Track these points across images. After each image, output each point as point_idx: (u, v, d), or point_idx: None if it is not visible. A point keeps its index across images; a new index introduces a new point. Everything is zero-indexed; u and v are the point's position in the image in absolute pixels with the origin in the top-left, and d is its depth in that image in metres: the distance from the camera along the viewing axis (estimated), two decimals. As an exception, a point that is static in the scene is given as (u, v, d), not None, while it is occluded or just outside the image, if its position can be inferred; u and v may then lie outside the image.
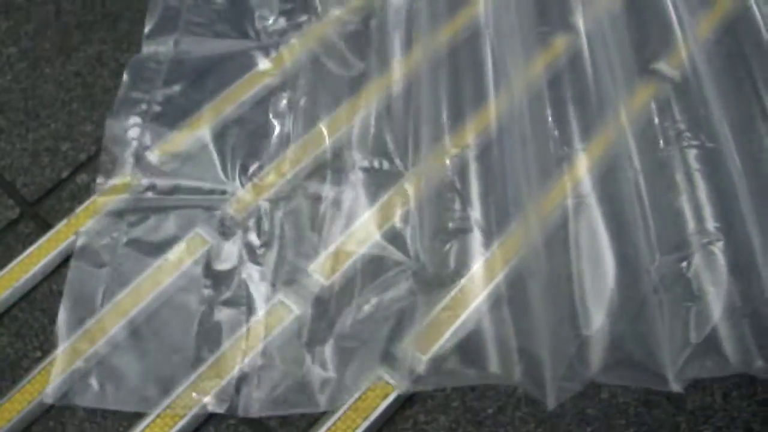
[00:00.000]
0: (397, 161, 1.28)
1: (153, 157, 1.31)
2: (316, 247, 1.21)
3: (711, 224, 1.16)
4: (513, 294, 1.14)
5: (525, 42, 1.37)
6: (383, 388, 1.09)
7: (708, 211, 1.18)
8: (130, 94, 1.38)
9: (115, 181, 1.29)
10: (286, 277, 1.19)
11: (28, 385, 1.13)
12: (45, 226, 1.28)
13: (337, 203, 1.24)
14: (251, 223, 1.24)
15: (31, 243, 1.26)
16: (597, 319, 1.10)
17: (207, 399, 1.10)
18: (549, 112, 1.30)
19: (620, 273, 1.13)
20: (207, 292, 1.18)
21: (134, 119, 1.35)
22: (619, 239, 1.16)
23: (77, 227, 1.27)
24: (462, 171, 1.26)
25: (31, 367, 1.15)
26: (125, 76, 1.40)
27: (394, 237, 1.21)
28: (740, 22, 1.38)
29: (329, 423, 1.07)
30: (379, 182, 1.26)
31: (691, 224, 1.17)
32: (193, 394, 1.10)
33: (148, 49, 1.44)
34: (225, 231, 1.23)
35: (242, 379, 1.11)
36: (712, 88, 1.28)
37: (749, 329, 1.08)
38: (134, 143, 1.32)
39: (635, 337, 1.08)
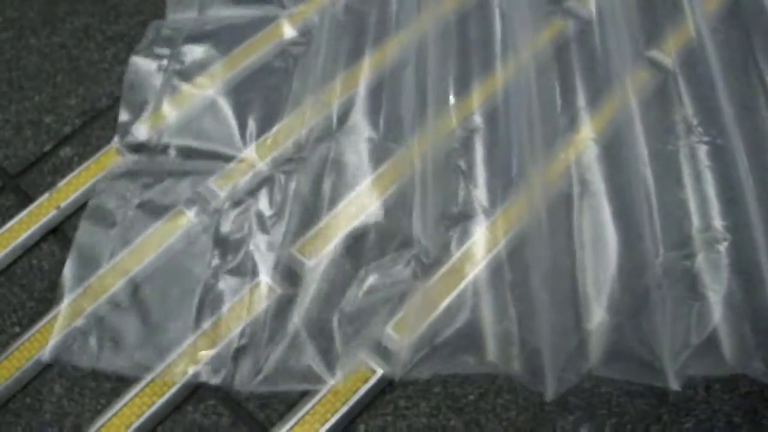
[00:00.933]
0: (403, 132, 1.26)
1: (170, 116, 1.31)
2: (317, 220, 1.20)
3: (718, 222, 1.14)
4: (515, 276, 1.13)
5: (534, 14, 1.35)
6: (363, 372, 1.08)
7: (715, 209, 1.15)
8: (152, 49, 1.38)
9: (130, 138, 1.30)
10: (291, 251, 1.18)
11: (5, 361, 1.12)
12: (26, 199, 1.27)
13: (340, 172, 1.23)
14: (263, 192, 1.23)
15: (11, 217, 1.24)
16: (598, 312, 1.08)
17: (200, 368, 1.09)
18: (556, 84, 1.29)
19: (624, 264, 1.12)
20: (214, 260, 1.17)
21: (154, 73, 1.36)
22: (623, 229, 1.14)
23: (59, 201, 1.25)
24: (467, 144, 1.25)
25: (9, 343, 1.14)
26: (146, 36, 1.41)
27: (395, 214, 1.20)
28: (746, 2, 1.36)
29: (308, 407, 1.06)
30: (382, 154, 1.25)
31: (696, 221, 1.15)
32: (187, 364, 1.09)
33: (173, 16, 1.44)
34: (235, 200, 1.22)
35: (240, 351, 1.10)
36: (718, 70, 1.27)
37: (749, 330, 1.06)
38: (151, 100, 1.33)
39: (636, 331, 1.07)
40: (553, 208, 1.17)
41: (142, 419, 1.07)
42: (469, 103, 1.29)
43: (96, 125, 1.34)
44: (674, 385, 1.03)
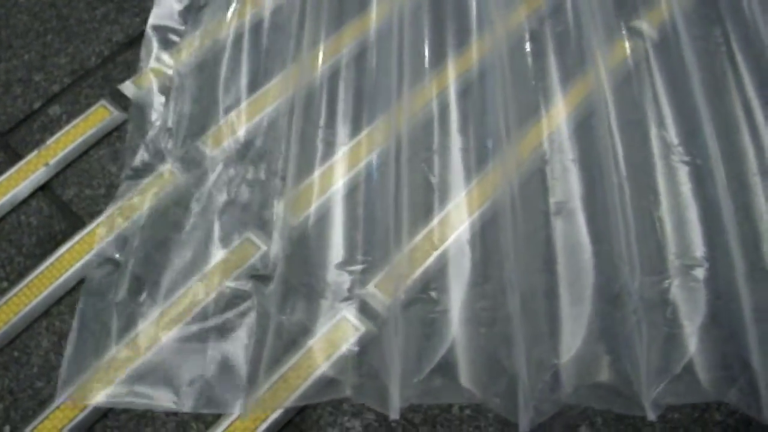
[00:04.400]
0: (381, 98, 1.26)
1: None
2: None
3: (695, 248, 1.11)
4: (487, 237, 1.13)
5: None
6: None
7: (694, 233, 1.13)
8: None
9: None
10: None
11: (-7, 315, 1.13)
12: (15, 156, 1.27)
13: (328, 140, 1.24)
14: None
15: (0, 173, 1.25)
16: (575, 340, 1.06)
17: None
18: (529, 60, 1.28)
19: (600, 289, 1.09)
20: None
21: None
22: (600, 252, 1.12)
23: (48, 158, 1.25)
24: (442, 117, 1.25)
25: (-3, 298, 1.15)
26: None
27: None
28: None
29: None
30: (360, 122, 1.25)
31: (674, 246, 1.12)
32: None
33: None
34: None
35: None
36: (690, 54, 1.25)
37: (725, 357, 1.04)
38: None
39: (612, 359, 1.04)
40: (526, 182, 1.17)
41: (127, 372, 1.08)
42: (444, 78, 1.28)
43: (85, 84, 1.34)
44: (651, 415, 1.00)
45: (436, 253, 1.13)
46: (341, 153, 1.22)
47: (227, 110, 1.27)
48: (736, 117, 1.22)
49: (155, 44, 1.35)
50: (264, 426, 1.04)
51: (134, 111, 1.29)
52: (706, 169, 1.15)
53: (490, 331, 1.06)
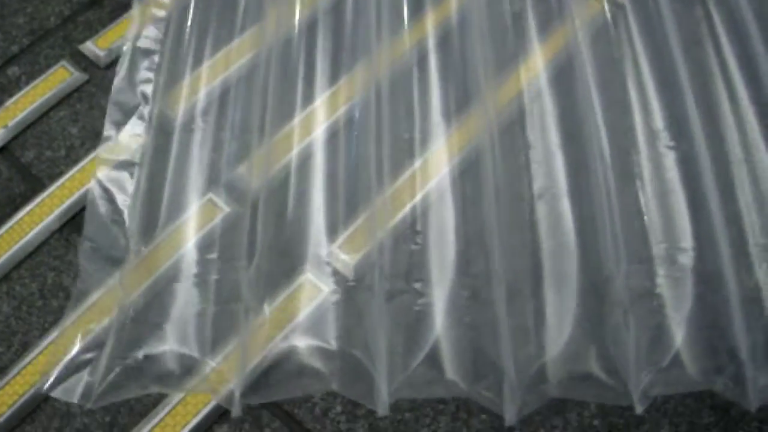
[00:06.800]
0: (357, 48, 1.24)
1: None
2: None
3: (682, 235, 1.09)
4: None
5: None
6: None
7: (679, 219, 1.10)
8: None
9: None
10: None
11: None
12: (-28, 119, 1.24)
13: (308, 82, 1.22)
14: None
15: (-43, 136, 1.22)
16: (562, 332, 1.03)
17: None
18: (507, 8, 1.27)
19: (585, 277, 1.06)
20: None
21: None
22: (584, 240, 1.09)
23: (6, 120, 1.22)
24: (421, 66, 1.23)
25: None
26: None
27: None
28: None
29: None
30: (338, 71, 1.23)
31: (659, 234, 1.09)
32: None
33: None
34: None
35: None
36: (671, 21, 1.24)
37: (712, 345, 1.02)
38: None
39: (600, 351, 1.02)
40: (505, 131, 1.15)
41: (92, 335, 1.06)
42: (423, 26, 1.27)
43: (44, 44, 1.30)
44: (639, 407, 0.98)
45: (418, 196, 1.11)
46: (320, 101, 1.20)
47: (197, 63, 1.25)
48: (719, 97, 1.19)
49: None
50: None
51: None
52: (692, 154, 1.13)
53: (474, 321, 1.04)
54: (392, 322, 1.04)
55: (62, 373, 1.03)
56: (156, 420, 1.02)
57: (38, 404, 1.04)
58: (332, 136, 1.18)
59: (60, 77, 1.26)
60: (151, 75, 1.25)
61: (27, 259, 1.13)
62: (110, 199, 1.14)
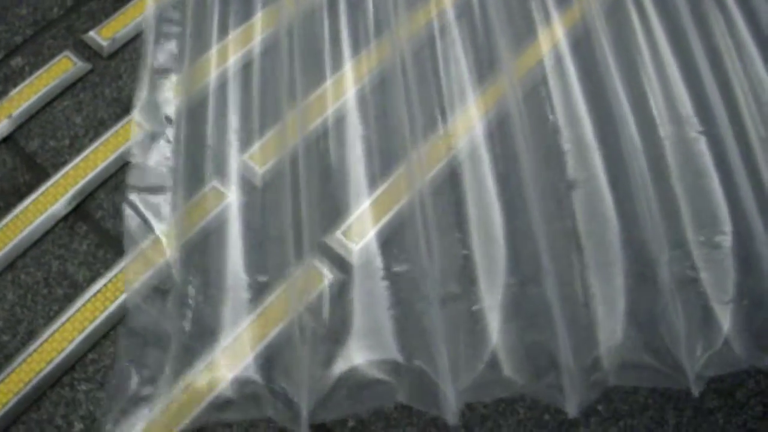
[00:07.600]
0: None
1: None
2: None
3: (719, 218, 1.10)
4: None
5: None
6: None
7: (717, 203, 1.11)
8: None
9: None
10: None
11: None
12: (-23, 109, 1.24)
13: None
14: None
15: (-39, 126, 1.22)
16: (614, 321, 1.04)
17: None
18: None
19: (631, 266, 1.07)
20: None
21: None
22: (626, 229, 1.10)
23: (11, 110, 1.22)
24: (444, 35, 1.26)
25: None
26: None
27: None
28: None
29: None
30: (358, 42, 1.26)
31: (696, 220, 1.11)
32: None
33: None
34: None
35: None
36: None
37: (757, 324, 1.04)
38: None
39: (651, 337, 1.03)
40: (528, 94, 1.19)
41: (94, 324, 1.06)
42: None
43: (47, 35, 1.30)
44: (695, 389, 1.00)
45: (451, 153, 1.15)
46: (348, 67, 1.23)
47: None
48: (733, 75, 1.21)
49: None
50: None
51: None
52: (719, 137, 1.15)
53: (530, 321, 1.04)
54: (450, 327, 1.04)
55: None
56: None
57: (44, 392, 1.04)
58: (362, 99, 1.21)
59: (63, 67, 1.26)
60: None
61: (32, 247, 1.13)
62: None
